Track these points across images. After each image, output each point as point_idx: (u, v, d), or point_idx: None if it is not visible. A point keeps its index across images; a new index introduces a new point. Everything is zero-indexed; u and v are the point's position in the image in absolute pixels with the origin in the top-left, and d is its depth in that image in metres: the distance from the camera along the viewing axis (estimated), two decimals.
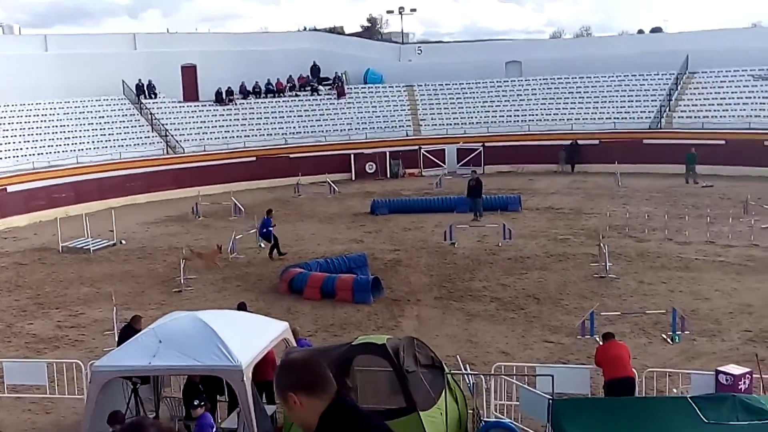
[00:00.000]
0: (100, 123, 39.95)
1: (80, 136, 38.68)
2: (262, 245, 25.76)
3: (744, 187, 32.15)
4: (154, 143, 40.27)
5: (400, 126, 44.60)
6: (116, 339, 14.54)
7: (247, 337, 11.87)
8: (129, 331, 14.03)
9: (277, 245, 24.70)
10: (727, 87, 41.92)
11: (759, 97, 40.26)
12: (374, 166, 41.93)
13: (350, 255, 22.88)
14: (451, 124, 44.67)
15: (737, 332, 16.57)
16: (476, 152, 41.76)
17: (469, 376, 12.88)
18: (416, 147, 42.62)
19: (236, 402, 11.50)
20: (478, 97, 46.05)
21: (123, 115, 41.08)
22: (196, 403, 10.97)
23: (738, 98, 40.86)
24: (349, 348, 11.55)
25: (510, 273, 21.86)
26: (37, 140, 37.29)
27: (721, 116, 40.23)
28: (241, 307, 15.41)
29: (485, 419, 11.77)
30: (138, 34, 45.94)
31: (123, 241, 27.73)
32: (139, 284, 22.32)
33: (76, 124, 39.25)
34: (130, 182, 37.07)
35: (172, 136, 40.88)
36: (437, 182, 37.30)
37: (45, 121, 38.71)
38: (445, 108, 45.79)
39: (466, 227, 27.08)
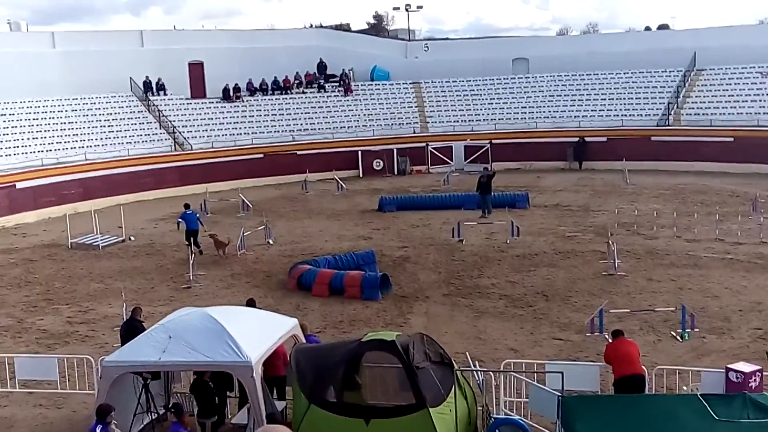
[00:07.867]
0: (108, 120, 40.02)
1: (88, 133, 38.76)
2: (271, 241, 25.89)
3: (752, 185, 32.11)
4: (162, 140, 40.33)
5: (407, 123, 44.56)
6: (120, 332, 14.56)
7: (257, 333, 11.90)
8: (132, 322, 14.08)
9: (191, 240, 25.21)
10: (735, 84, 41.75)
11: (767, 94, 40.08)
12: (381, 163, 41.96)
13: (358, 252, 22.91)
14: (458, 121, 44.62)
15: (747, 330, 16.55)
16: (483, 149, 41.73)
17: (479, 372, 12.86)
18: (423, 144, 42.60)
19: (246, 398, 11.54)
20: (485, 94, 45.98)
21: (131, 112, 41.16)
22: (173, 411, 10.80)
23: (746, 95, 40.69)
24: (358, 344, 11.56)
25: (518, 270, 21.86)
26: (45, 137, 37.35)
27: (729, 113, 40.06)
28: (250, 303, 15.38)
29: (495, 416, 11.76)
30: (145, 31, 45.98)
31: (132, 238, 27.81)
32: (148, 280, 22.39)
33: (84, 121, 39.34)
34: (139, 179, 37.15)
35: (179, 132, 40.95)
36: (445, 179, 37.28)
37: (53, 117, 38.79)
38: (452, 105, 45.75)
39: (474, 224, 27.08)
